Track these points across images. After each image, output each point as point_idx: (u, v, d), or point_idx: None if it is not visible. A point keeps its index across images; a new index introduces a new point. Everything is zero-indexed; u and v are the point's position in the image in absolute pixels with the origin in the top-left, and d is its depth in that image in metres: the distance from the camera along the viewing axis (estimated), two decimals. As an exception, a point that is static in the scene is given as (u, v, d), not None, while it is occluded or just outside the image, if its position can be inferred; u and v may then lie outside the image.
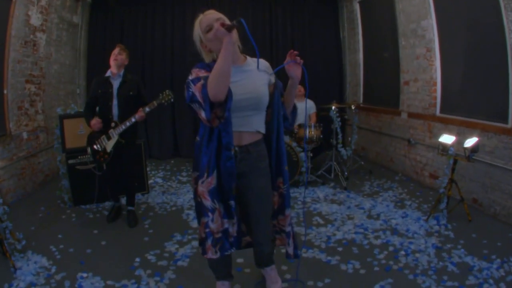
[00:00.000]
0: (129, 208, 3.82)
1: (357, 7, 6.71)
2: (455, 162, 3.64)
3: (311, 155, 5.17)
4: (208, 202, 1.94)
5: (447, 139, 3.72)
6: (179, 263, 2.97)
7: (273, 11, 7.08)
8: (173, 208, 4.24)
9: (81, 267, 2.89)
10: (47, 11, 4.66)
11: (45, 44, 4.75)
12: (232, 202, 1.98)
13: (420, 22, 4.82)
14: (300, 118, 5.47)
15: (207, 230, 1.98)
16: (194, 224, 3.76)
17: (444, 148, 3.72)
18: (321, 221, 3.80)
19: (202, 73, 1.77)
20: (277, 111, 2.04)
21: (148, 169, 5.15)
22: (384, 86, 6.17)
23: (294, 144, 4.83)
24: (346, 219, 3.87)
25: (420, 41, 4.90)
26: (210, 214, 1.95)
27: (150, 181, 5.16)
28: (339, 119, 5.23)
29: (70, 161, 4.12)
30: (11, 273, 2.75)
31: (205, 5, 6.54)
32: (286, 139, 4.79)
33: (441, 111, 4.63)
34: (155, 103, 3.39)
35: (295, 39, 7.21)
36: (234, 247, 2.09)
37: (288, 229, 2.23)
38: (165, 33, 6.70)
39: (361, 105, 6.67)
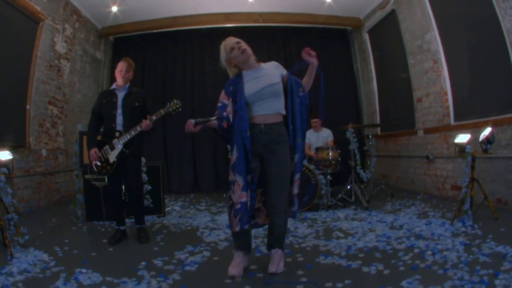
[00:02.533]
0: (138, 226, 3.47)
1: (366, 37, 6.96)
2: (474, 159, 3.47)
3: (330, 178, 5.03)
4: (231, 176, 2.42)
5: (462, 138, 3.60)
6: (187, 268, 2.77)
7: (287, 47, 7.43)
8: (188, 228, 4.10)
9: (81, 265, 2.78)
10: (71, 41, 5.11)
11: (69, 72, 5.13)
12: (249, 177, 2.41)
13: (424, 36, 4.94)
14: (318, 143, 5.51)
15: (230, 202, 2.44)
16: (208, 239, 3.53)
17: (460, 148, 3.58)
18: (341, 235, 3.57)
19: (224, 98, 2.54)
20: (291, 94, 2.54)
21: (166, 200, 5.09)
22: (399, 110, 6.17)
23: (312, 166, 4.74)
24: (367, 231, 3.61)
25: (426, 55, 4.97)
26: (231, 186, 2.42)
27: (168, 209, 5.08)
28: (356, 139, 5.16)
29: (87, 176, 4.15)
30: (7, 260, 2.68)
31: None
32: (305, 162, 4.72)
33: (455, 119, 4.56)
34: (162, 111, 3.25)
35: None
36: (247, 225, 2.44)
37: (295, 191, 2.57)
38: (185, 70, 7.11)
39: (379, 133, 6.61)
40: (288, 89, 2.55)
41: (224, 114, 2.51)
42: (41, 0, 4.36)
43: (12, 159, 3.06)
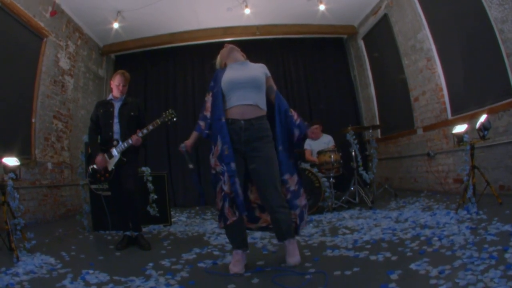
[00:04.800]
0: (136, 234, 3.46)
1: (361, 43, 7.12)
2: (472, 147, 3.51)
3: (334, 181, 5.05)
4: (218, 167, 2.37)
5: (459, 128, 3.66)
6: (195, 266, 2.80)
7: (285, 58, 7.58)
8: (195, 234, 4.10)
9: (89, 267, 2.76)
10: (74, 58, 5.28)
11: (72, 88, 5.28)
12: (233, 164, 2.35)
13: (416, 36, 5.06)
14: (320, 147, 5.55)
15: (222, 193, 2.36)
16: (215, 242, 3.53)
17: (459, 138, 3.63)
18: (347, 231, 3.56)
19: (207, 96, 2.56)
20: (278, 112, 2.50)
21: (171, 212, 5.10)
22: (398, 111, 6.24)
23: (315, 170, 4.78)
24: (373, 226, 3.60)
25: (420, 55, 5.09)
26: (221, 177, 2.36)
27: (173, 219, 5.08)
28: (356, 141, 5.20)
29: (93, 186, 4.21)
30: (13, 263, 2.69)
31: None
32: (307, 166, 4.75)
33: (453, 113, 4.62)
34: (158, 121, 3.37)
35: (309, 84, 7.55)
36: (245, 212, 2.45)
37: (304, 202, 2.53)
38: (186, 85, 7.26)
39: (379, 137, 6.66)
40: (276, 106, 2.52)
41: (206, 114, 2.52)
42: (45, 17, 4.56)
43: (20, 165, 3.13)
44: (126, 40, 6.75)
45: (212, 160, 2.42)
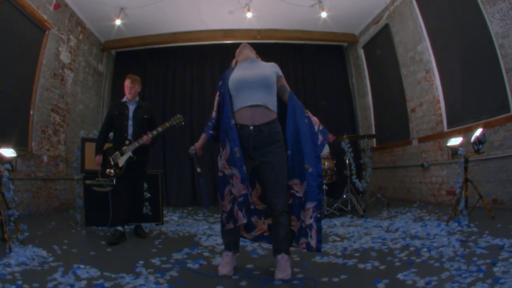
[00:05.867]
0: (136, 224, 3.83)
1: (361, 52, 7.17)
2: (466, 160, 3.55)
3: (326, 188, 5.08)
4: (227, 170, 2.33)
5: (454, 141, 3.70)
6: (184, 266, 2.81)
7: (285, 63, 7.61)
8: (186, 234, 4.12)
9: (80, 262, 2.78)
10: (75, 52, 5.29)
11: (72, 82, 5.28)
12: (244, 167, 2.26)
13: (416, 47, 5.12)
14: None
15: (231, 196, 2.34)
16: (206, 243, 3.58)
17: (453, 150, 3.67)
18: (337, 238, 3.59)
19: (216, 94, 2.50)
20: (293, 112, 2.40)
21: (164, 211, 5.12)
22: (394, 122, 6.29)
23: None
24: (363, 235, 3.63)
25: (419, 66, 5.14)
26: (230, 180, 2.33)
27: (166, 218, 5.11)
28: (350, 149, 5.24)
29: (88, 182, 4.23)
30: (5, 253, 2.70)
31: (221, 60, 7.22)
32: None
33: (448, 125, 4.67)
34: (167, 124, 3.68)
35: (306, 90, 7.59)
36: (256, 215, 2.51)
37: (309, 221, 2.32)
38: (184, 84, 7.28)
39: (375, 146, 6.71)
40: (289, 107, 2.40)
41: (213, 114, 2.50)
42: (48, 9, 4.58)
43: (16, 157, 3.13)
44: (127, 37, 6.77)
45: (221, 163, 2.38)
